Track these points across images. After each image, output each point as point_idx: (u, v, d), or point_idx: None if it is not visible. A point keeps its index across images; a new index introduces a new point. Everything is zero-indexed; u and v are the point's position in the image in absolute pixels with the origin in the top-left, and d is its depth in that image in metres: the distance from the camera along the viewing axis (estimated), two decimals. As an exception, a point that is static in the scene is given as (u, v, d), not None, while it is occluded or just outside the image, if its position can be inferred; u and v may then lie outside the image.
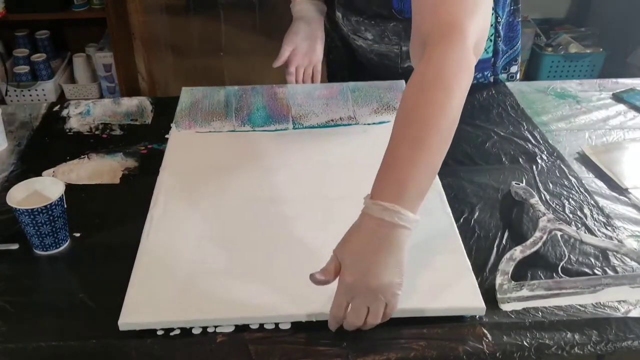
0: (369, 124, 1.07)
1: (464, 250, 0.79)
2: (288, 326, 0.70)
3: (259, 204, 0.88)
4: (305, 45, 1.18)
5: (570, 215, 0.88)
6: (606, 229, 0.85)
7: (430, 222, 0.81)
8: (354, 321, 0.67)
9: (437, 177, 0.85)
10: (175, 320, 0.70)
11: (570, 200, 0.91)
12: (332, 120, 1.08)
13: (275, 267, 0.77)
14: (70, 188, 0.87)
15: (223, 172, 0.95)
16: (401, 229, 0.65)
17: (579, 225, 0.86)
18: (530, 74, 2.62)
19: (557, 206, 0.90)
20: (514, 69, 1.26)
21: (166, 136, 1.06)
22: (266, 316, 0.70)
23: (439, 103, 0.69)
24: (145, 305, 0.71)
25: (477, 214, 0.88)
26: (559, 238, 0.83)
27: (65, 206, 0.81)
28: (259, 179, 0.93)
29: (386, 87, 1.17)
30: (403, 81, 1.18)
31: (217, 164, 0.97)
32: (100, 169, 0.99)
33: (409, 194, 0.66)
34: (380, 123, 1.07)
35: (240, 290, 0.73)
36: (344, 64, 1.31)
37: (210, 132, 1.05)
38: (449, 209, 0.86)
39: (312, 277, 0.66)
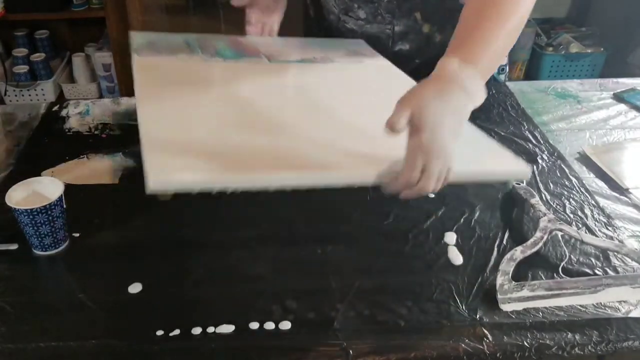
0: (346, 63, 1.03)
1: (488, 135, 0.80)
2: (288, 326, 0.69)
3: (268, 99, 0.83)
4: (265, 4, 1.14)
5: (571, 216, 0.88)
6: (607, 229, 0.85)
7: None
8: (425, 187, 0.65)
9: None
10: (209, 180, 0.63)
11: (571, 200, 0.91)
12: (308, 59, 1.04)
13: (305, 135, 0.74)
14: (69, 188, 0.87)
15: (211, 85, 0.90)
16: (472, 103, 0.67)
17: (580, 226, 0.86)
18: (530, 74, 2.62)
19: (558, 206, 0.90)
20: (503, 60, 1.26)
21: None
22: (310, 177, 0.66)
23: None
24: (171, 166, 0.64)
25: (477, 214, 0.88)
26: (560, 238, 0.83)
27: (65, 206, 0.81)
28: (253, 90, 0.88)
29: (350, 43, 1.12)
30: (363, 41, 1.12)
31: (199, 82, 0.90)
32: (99, 169, 0.98)
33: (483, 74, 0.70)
34: (357, 63, 1.03)
35: (272, 150, 0.69)
36: None
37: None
38: None
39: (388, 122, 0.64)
